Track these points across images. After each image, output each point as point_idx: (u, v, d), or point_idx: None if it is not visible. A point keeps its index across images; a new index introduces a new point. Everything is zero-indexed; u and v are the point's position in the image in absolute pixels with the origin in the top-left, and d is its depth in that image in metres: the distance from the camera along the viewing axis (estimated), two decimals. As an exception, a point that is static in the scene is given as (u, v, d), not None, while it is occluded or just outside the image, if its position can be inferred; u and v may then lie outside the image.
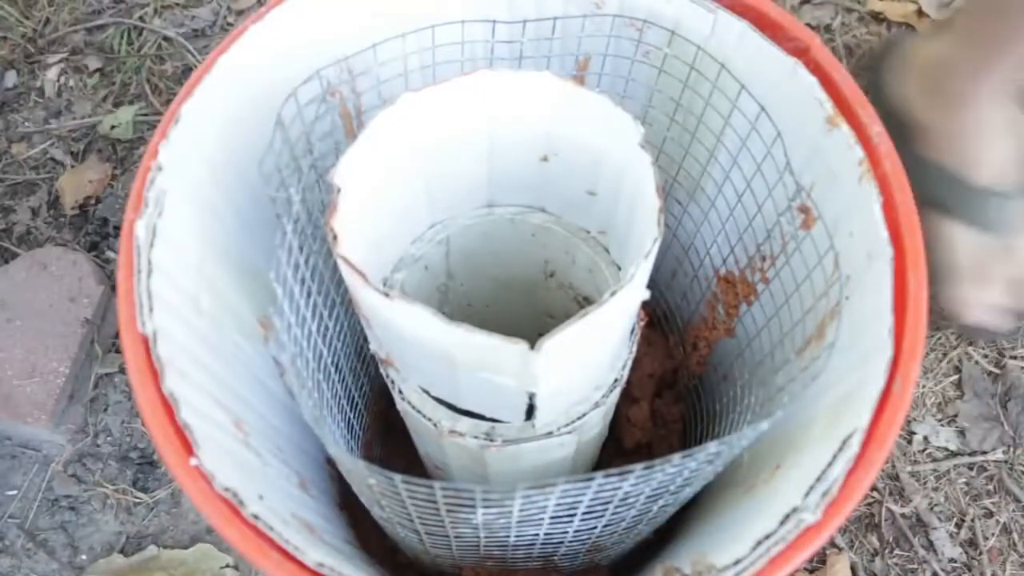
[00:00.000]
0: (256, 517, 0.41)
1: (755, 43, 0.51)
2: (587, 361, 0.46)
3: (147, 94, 1.14)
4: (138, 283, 0.44)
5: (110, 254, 1.03)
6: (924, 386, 0.97)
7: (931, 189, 0.80)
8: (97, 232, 1.05)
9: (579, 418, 0.49)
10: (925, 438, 0.94)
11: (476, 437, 0.49)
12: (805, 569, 0.88)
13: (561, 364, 0.41)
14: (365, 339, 0.63)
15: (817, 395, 0.48)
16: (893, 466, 0.92)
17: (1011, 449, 0.93)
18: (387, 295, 0.37)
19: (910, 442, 0.94)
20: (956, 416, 0.95)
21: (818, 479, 0.41)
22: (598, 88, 0.44)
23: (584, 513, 0.45)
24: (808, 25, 0.88)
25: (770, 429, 0.40)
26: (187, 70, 1.15)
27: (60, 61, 1.17)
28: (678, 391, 0.77)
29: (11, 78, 1.16)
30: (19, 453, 0.93)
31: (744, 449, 0.47)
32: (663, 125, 0.61)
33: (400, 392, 0.51)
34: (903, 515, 0.90)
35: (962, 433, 0.94)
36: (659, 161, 0.64)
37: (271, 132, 0.49)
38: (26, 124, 1.13)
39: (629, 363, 0.52)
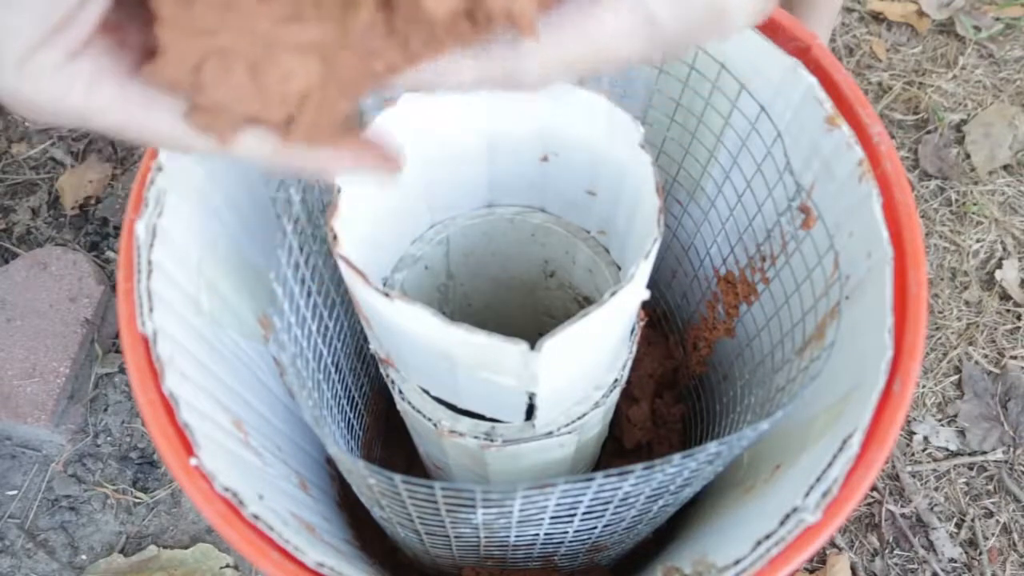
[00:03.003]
0: (256, 517, 0.41)
1: (755, 43, 0.51)
2: (587, 361, 0.46)
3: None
4: (138, 283, 0.44)
5: (110, 254, 1.03)
6: (924, 386, 0.97)
7: None
8: (97, 232, 1.05)
9: (579, 418, 0.49)
10: (925, 438, 0.94)
11: (476, 437, 0.49)
12: (805, 569, 0.88)
13: (561, 364, 0.41)
14: (365, 339, 0.63)
15: (817, 395, 0.48)
16: (893, 466, 0.92)
17: (1011, 449, 0.93)
18: (387, 295, 0.37)
19: (910, 442, 0.94)
20: (956, 416, 0.95)
21: (818, 479, 0.41)
22: (598, 88, 0.44)
23: (584, 513, 0.45)
24: (808, 25, 0.88)
25: (770, 429, 0.40)
26: (187, 70, 1.15)
27: (60, 61, 1.17)
28: (678, 391, 0.77)
29: (11, 78, 1.16)
30: (19, 453, 0.93)
31: (744, 449, 0.47)
32: (663, 125, 0.61)
33: (400, 392, 0.51)
34: (903, 515, 0.90)
35: (962, 433, 0.94)
36: (659, 161, 0.64)
37: (271, 132, 0.49)
38: (26, 124, 1.13)
39: (629, 363, 0.52)
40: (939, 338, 0.99)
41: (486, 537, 0.49)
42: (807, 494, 0.40)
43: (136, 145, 1.10)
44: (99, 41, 0.23)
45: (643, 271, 0.39)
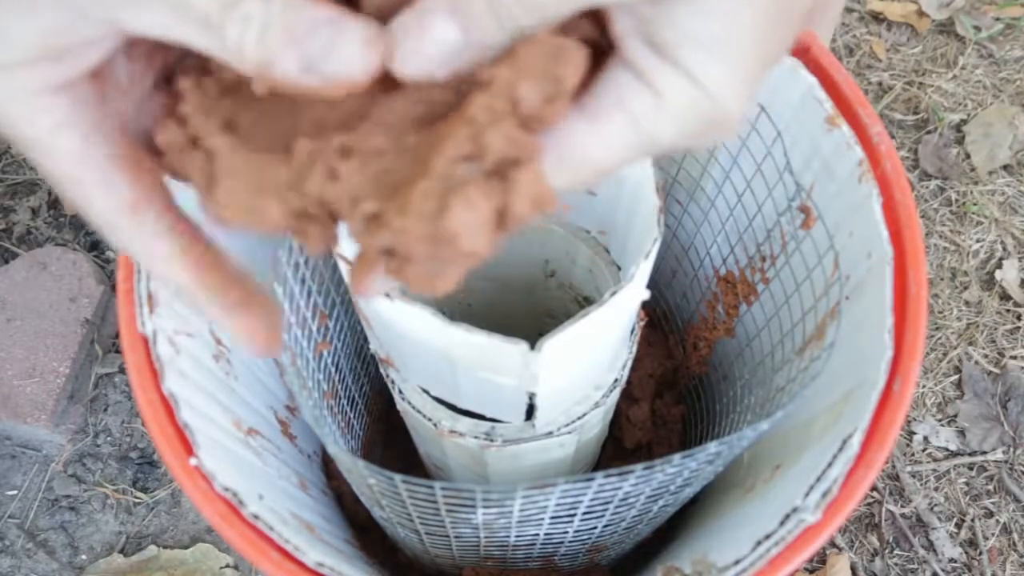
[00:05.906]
0: (256, 517, 0.41)
1: (755, 43, 0.51)
2: (587, 361, 0.46)
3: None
4: (138, 283, 0.44)
5: (110, 254, 1.03)
6: (924, 386, 0.97)
7: None
8: (97, 232, 1.05)
9: (579, 418, 0.49)
10: (925, 438, 0.94)
11: (476, 437, 0.49)
12: (805, 569, 0.88)
13: (561, 364, 0.41)
14: (365, 339, 0.63)
15: (817, 395, 0.48)
16: (893, 466, 0.92)
17: (1011, 449, 0.93)
18: (387, 295, 0.37)
19: (910, 442, 0.94)
20: (956, 416, 0.95)
21: (818, 479, 0.41)
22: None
23: (584, 513, 0.45)
24: (808, 25, 0.88)
25: (770, 429, 0.40)
26: (187, 70, 1.15)
27: (60, 61, 1.17)
28: (678, 391, 0.77)
29: (11, 78, 1.16)
30: (19, 453, 0.93)
31: (744, 449, 0.47)
32: (663, 125, 0.61)
33: (400, 392, 0.51)
34: (903, 515, 0.90)
35: (962, 433, 0.94)
36: (659, 161, 0.64)
37: (271, 132, 0.49)
38: (26, 124, 1.13)
39: (629, 363, 0.52)
40: (939, 338, 0.99)
41: (486, 537, 0.49)
42: (807, 494, 0.40)
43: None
44: (83, 87, 0.22)
45: (643, 271, 0.39)
